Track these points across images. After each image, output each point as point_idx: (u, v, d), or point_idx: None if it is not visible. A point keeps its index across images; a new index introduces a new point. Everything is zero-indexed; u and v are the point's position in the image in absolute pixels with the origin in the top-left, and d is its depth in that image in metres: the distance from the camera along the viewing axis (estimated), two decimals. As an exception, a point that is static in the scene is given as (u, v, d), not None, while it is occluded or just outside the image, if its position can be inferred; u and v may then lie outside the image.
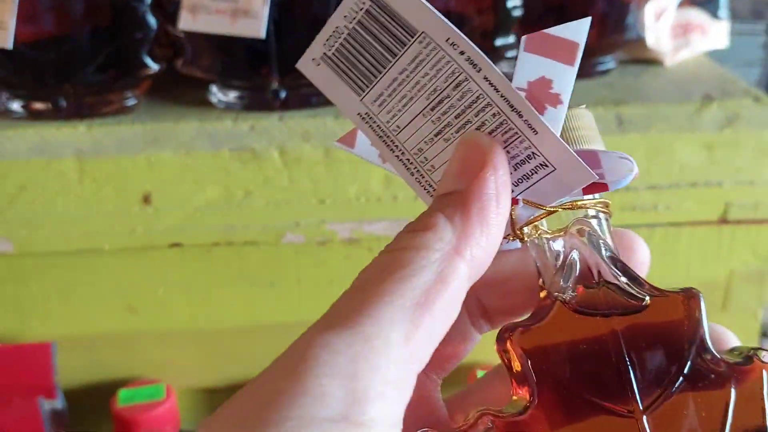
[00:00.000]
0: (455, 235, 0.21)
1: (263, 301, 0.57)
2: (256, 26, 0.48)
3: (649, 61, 0.63)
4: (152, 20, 0.51)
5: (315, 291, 0.56)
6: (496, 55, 0.55)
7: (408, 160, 0.25)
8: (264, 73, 0.52)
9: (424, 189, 0.25)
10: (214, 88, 0.54)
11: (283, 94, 0.52)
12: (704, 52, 0.66)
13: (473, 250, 0.21)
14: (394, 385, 0.19)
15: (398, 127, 0.25)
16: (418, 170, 0.25)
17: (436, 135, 0.24)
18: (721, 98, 0.55)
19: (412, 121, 0.24)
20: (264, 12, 0.47)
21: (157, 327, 0.57)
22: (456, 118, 0.24)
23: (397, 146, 0.25)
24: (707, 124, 0.53)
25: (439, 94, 0.23)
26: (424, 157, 0.25)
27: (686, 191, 0.54)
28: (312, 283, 0.56)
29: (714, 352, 0.22)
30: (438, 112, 0.24)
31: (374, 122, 0.25)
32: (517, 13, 0.54)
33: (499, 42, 0.55)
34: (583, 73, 0.58)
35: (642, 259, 0.26)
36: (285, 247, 0.54)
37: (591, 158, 0.24)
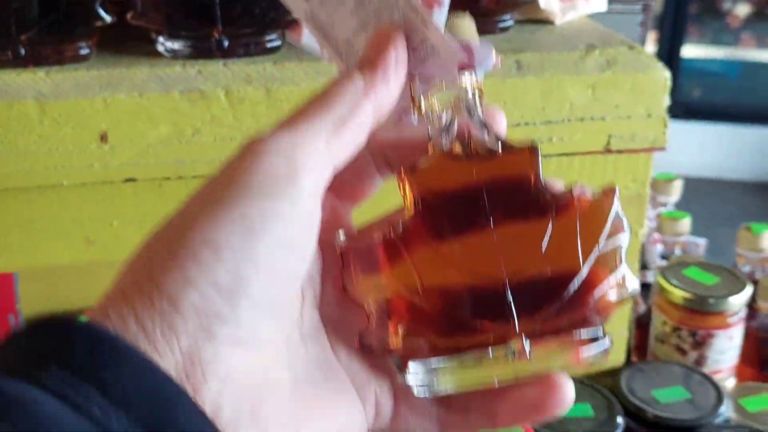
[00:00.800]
0: (364, 83, 0.30)
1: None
2: (205, -22, 0.54)
3: (541, 20, 0.72)
4: (106, -26, 0.57)
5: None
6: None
7: (340, 50, 0.33)
8: (208, 24, 0.58)
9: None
10: (161, 38, 0.60)
11: (225, 43, 0.59)
12: (587, 14, 0.76)
13: (377, 94, 0.30)
14: (319, 168, 0.28)
15: (333, 22, 0.33)
16: (347, 57, 0.33)
17: (360, 27, 0.32)
18: (602, 47, 0.65)
19: (342, 20, 0.32)
20: (211, -35, 0.54)
21: (112, 258, 0.62)
22: (374, 14, 0.32)
23: (332, 38, 0.33)
24: (591, 68, 0.63)
25: None
26: (352, 46, 0.33)
27: (575, 125, 0.63)
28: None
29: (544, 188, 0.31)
30: (362, 11, 0.32)
31: (316, 19, 0.33)
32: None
33: None
34: (486, 29, 0.67)
35: (500, 123, 0.34)
36: (230, 181, 0.61)
37: (465, 48, 0.32)
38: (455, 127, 0.32)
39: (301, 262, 0.28)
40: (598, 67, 0.63)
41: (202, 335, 0.25)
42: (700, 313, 0.72)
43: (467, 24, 0.35)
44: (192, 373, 0.25)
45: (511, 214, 0.30)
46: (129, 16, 0.60)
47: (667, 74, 0.64)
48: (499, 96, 0.61)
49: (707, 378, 0.68)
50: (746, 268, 0.91)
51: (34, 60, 0.57)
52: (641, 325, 0.82)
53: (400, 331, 0.30)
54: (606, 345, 0.30)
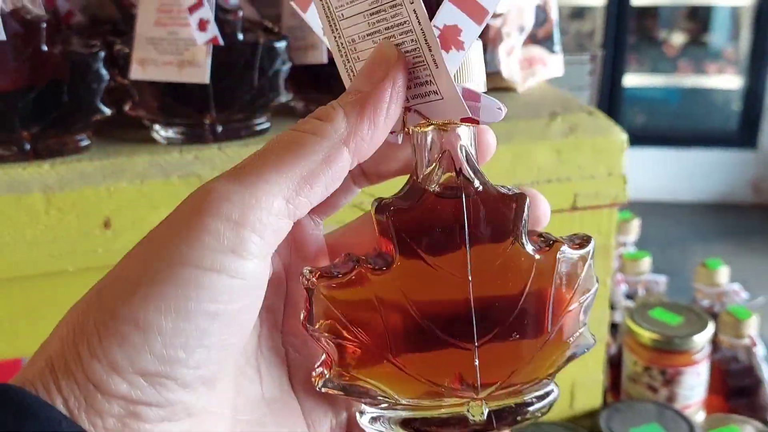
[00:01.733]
0: (347, 129, 0.28)
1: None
2: (201, 74, 0.58)
3: (505, 88, 0.78)
4: (105, 72, 0.60)
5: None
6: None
7: (342, 44, 0.31)
8: (202, 111, 0.62)
9: (347, 73, 0.31)
10: (157, 126, 0.64)
11: (219, 129, 0.63)
12: (546, 79, 0.82)
13: (358, 144, 0.28)
14: (273, 230, 0.27)
15: (342, 15, 0.30)
16: (347, 56, 0.31)
17: (368, 35, 0.30)
18: (564, 113, 0.70)
19: (353, 16, 0.30)
20: (207, 62, 0.58)
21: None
22: (386, 29, 0.29)
23: (337, 29, 0.31)
24: (555, 134, 0.69)
25: (378, 6, 0.29)
26: (354, 48, 0.31)
27: (543, 186, 0.69)
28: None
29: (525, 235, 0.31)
30: (374, 19, 0.29)
31: (327, 3, 0.30)
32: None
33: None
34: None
35: (486, 154, 0.33)
36: (227, 257, 0.64)
37: (472, 96, 0.30)
38: (444, 165, 0.31)
39: (240, 334, 0.27)
40: (562, 132, 0.69)
41: (129, 417, 0.25)
42: (668, 352, 0.77)
43: (479, 60, 0.32)
44: None
45: (489, 276, 0.30)
46: (127, 107, 0.63)
47: (623, 136, 0.69)
48: (474, 164, 0.66)
49: (679, 414, 0.73)
50: (705, 302, 0.97)
51: (38, 154, 0.60)
52: (613, 365, 0.87)
53: (355, 373, 0.30)
54: (555, 396, 0.32)
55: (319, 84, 0.68)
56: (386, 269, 0.30)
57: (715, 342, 0.86)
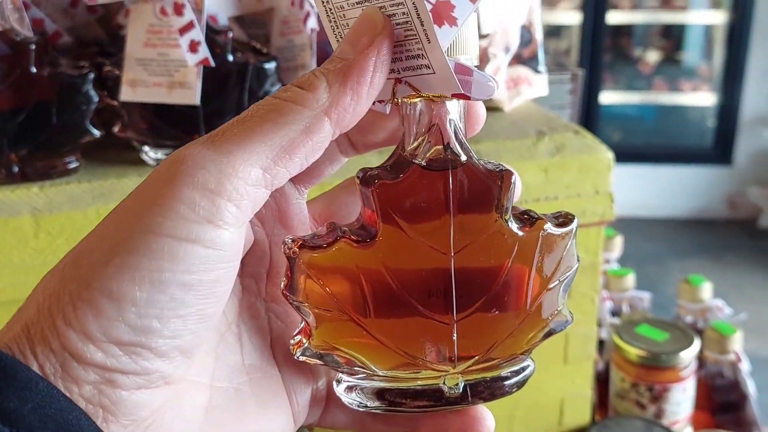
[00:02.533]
0: (329, 100, 0.27)
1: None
2: (192, 95, 0.58)
3: (492, 108, 0.79)
4: (94, 94, 0.60)
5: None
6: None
7: (330, 9, 0.30)
8: (191, 132, 0.62)
9: (335, 38, 0.31)
10: (146, 148, 0.64)
11: (208, 150, 0.63)
12: (531, 99, 0.83)
13: (340, 114, 0.27)
14: (249, 199, 0.26)
15: None
16: (335, 21, 0.31)
17: (357, 2, 0.29)
18: (550, 133, 0.71)
19: None
20: (198, 83, 0.58)
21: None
22: (376, 2, 0.29)
23: None
24: (542, 153, 0.69)
25: None
26: (343, 14, 0.30)
27: (531, 205, 0.69)
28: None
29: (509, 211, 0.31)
30: None
31: None
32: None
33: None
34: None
35: (476, 125, 0.33)
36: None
37: (465, 70, 0.29)
38: (432, 139, 0.31)
39: (216, 303, 0.27)
40: (549, 152, 0.69)
41: (105, 384, 0.25)
42: (655, 368, 0.78)
43: (473, 34, 0.31)
44: (94, 415, 0.25)
45: (471, 251, 0.30)
46: (116, 129, 0.63)
47: (610, 155, 0.70)
48: (463, 183, 0.67)
49: (667, 430, 0.74)
50: (688, 318, 0.98)
51: (26, 176, 0.60)
52: (600, 381, 0.88)
53: (332, 343, 0.30)
54: (531, 371, 0.33)
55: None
56: (369, 242, 0.30)
57: (700, 358, 0.87)
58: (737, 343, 0.86)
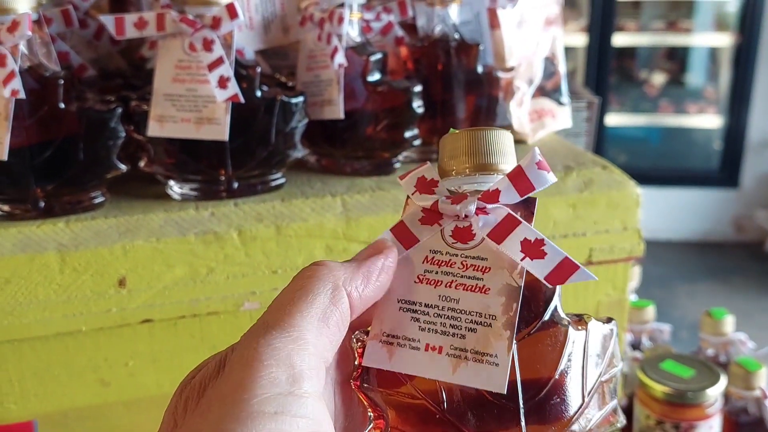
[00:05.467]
0: (345, 276, 0.32)
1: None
2: (221, 131, 0.58)
3: (516, 141, 0.78)
4: (121, 129, 0.59)
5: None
6: (405, 143, 0.68)
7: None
8: (218, 168, 0.62)
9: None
10: (171, 182, 0.63)
11: (235, 185, 0.62)
12: (555, 131, 0.82)
13: (353, 291, 0.32)
14: (315, 369, 0.30)
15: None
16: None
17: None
18: (578, 168, 0.70)
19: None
20: (227, 119, 0.57)
21: (127, 397, 0.63)
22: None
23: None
24: (570, 189, 0.69)
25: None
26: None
27: (560, 241, 0.68)
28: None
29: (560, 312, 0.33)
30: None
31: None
32: (420, 111, 0.68)
33: (407, 134, 0.68)
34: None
35: None
36: (242, 315, 0.63)
37: (519, 176, 0.33)
38: None
39: None
40: (577, 187, 0.69)
41: None
42: (681, 406, 0.77)
43: (508, 140, 0.35)
44: None
45: (530, 332, 0.32)
46: (142, 164, 0.62)
47: (638, 191, 0.70)
48: (490, 219, 0.66)
49: (696, 469, 0.73)
50: (709, 352, 0.97)
51: (51, 211, 0.59)
52: (624, 417, 0.86)
53: None
54: None
55: (334, 138, 0.68)
56: None
57: (725, 394, 0.86)
58: (763, 379, 0.85)
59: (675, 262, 3.96)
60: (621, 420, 0.33)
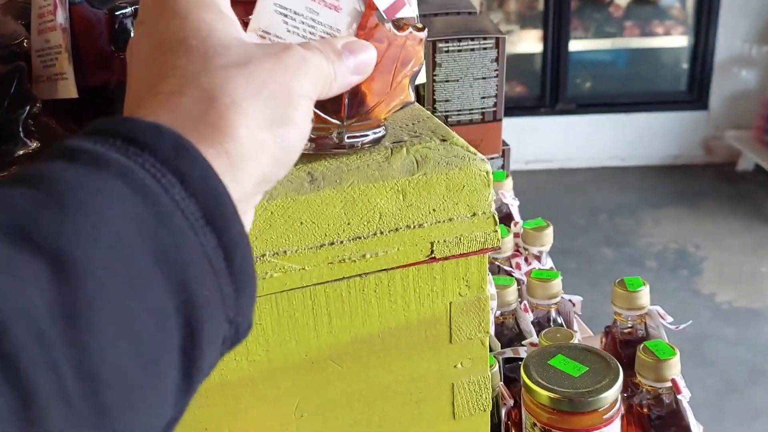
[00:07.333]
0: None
1: None
2: None
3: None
4: None
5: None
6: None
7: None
8: None
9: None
10: None
11: None
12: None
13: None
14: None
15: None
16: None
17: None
18: (409, 142, 0.55)
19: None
20: None
21: None
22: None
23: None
24: (397, 171, 0.54)
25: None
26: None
27: (389, 237, 0.54)
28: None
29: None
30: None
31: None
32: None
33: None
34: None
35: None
36: None
37: None
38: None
39: None
40: (406, 168, 0.54)
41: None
42: (571, 414, 0.64)
43: None
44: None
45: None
46: None
47: (487, 167, 0.55)
48: (294, 216, 0.51)
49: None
50: (624, 327, 0.84)
51: None
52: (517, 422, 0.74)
53: None
54: (383, 134, 0.53)
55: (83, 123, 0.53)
56: None
57: (633, 384, 0.73)
58: (675, 367, 0.72)
59: (643, 188, 3.84)
60: (412, 99, 0.51)
